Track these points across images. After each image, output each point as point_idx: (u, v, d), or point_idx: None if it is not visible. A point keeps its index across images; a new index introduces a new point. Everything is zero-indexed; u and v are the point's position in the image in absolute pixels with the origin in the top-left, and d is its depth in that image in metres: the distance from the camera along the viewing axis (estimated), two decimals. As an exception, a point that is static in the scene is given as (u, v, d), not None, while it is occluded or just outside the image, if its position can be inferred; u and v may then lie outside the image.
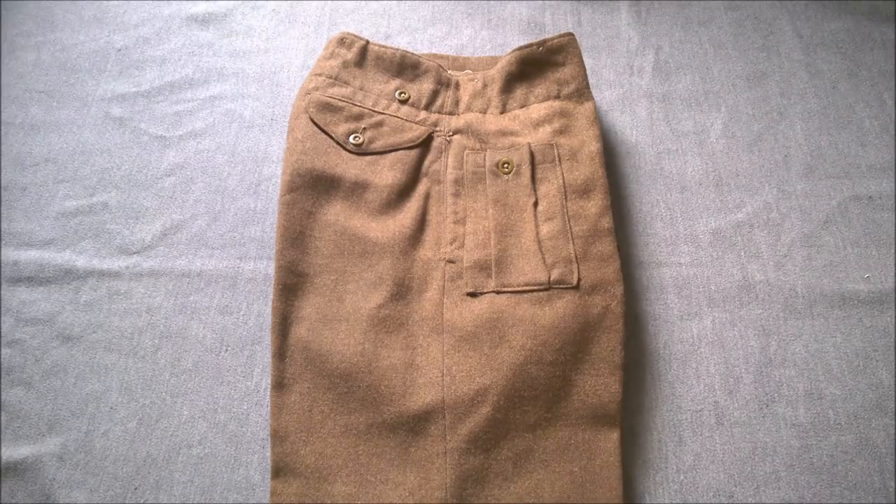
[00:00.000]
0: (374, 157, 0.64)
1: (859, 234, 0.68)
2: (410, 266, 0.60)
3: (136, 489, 0.56)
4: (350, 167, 0.63)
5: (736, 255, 0.67)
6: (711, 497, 0.56)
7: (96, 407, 0.60)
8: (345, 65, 0.68)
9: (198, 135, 0.75)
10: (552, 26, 0.84)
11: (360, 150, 0.64)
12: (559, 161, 0.63)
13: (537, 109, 0.66)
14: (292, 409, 0.55)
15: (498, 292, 0.58)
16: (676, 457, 0.57)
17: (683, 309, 0.64)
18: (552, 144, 0.63)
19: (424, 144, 0.65)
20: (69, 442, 0.58)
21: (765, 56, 0.81)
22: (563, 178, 0.62)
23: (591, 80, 0.77)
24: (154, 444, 0.58)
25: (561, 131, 0.64)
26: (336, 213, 0.61)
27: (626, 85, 0.79)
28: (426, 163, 0.65)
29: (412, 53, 0.69)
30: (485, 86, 0.68)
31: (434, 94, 0.68)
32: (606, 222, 0.60)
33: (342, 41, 0.69)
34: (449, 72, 0.70)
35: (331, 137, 0.64)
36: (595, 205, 0.61)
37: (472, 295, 0.58)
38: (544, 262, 0.58)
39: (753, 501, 0.55)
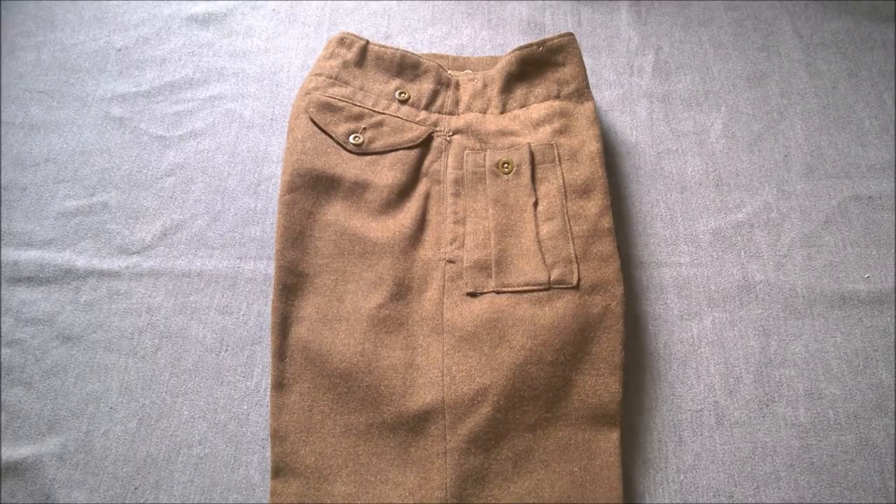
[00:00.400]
0: (374, 157, 0.64)
1: (859, 234, 0.68)
2: (410, 266, 0.60)
3: (136, 489, 0.56)
4: (350, 167, 0.63)
5: (736, 255, 0.67)
6: (711, 497, 0.56)
7: (96, 407, 0.60)
8: (345, 65, 0.68)
9: (198, 135, 0.75)
10: (552, 26, 0.84)
11: (360, 150, 0.64)
12: (559, 161, 0.63)
13: (537, 109, 0.66)
14: (292, 409, 0.55)
15: (498, 292, 0.58)
16: (676, 457, 0.57)
17: (683, 309, 0.64)
18: (552, 144, 0.63)
19: (424, 144, 0.65)
20: (69, 442, 0.58)
21: (765, 56, 0.81)
22: (563, 178, 0.62)
23: (591, 80, 0.77)
24: (154, 444, 0.58)
25: (561, 131, 0.64)
26: (336, 213, 0.61)
27: (626, 85, 0.79)
28: (426, 163, 0.65)
29: (412, 53, 0.69)
30: (485, 86, 0.68)
31: (434, 94, 0.68)
32: (606, 222, 0.60)
33: (342, 41, 0.69)
34: (449, 72, 0.70)
35: (331, 137, 0.64)
36: (595, 205, 0.61)
37: (472, 295, 0.58)
38: (544, 262, 0.58)
39: (753, 501, 0.55)
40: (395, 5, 0.86)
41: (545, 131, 0.64)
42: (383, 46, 0.69)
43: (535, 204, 0.61)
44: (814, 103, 0.77)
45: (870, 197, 0.70)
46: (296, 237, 0.60)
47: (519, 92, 0.67)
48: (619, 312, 0.57)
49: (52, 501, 0.55)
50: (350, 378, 0.55)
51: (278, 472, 0.53)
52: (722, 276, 0.66)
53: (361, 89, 0.67)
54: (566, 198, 0.61)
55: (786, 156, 0.73)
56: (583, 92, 0.67)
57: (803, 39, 0.82)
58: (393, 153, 0.64)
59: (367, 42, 0.69)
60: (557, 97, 0.66)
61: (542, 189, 0.62)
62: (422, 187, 0.64)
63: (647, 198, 0.71)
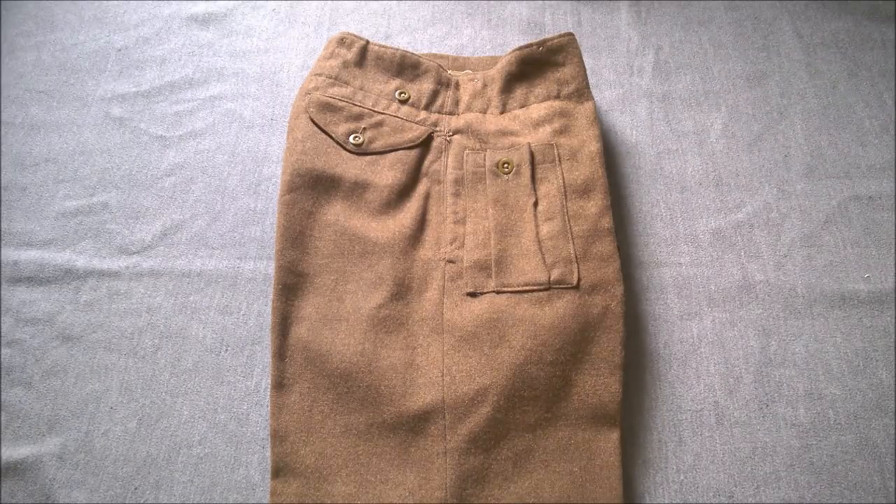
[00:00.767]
0: (374, 157, 0.64)
1: (859, 234, 0.68)
2: (410, 266, 0.60)
3: (136, 489, 0.56)
4: (350, 167, 0.63)
5: (736, 255, 0.67)
6: (711, 497, 0.56)
7: (96, 407, 0.60)
8: (345, 65, 0.68)
9: (198, 135, 0.75)
10: (552, 26, 0.84)
11: (360, 150, 0.64)
12: (559, 161, 0.63)
13: (537, 109, 0.66)
14: (292, 409, 0.55)
15: (498, 292, 0.58)
16: (676, 457, 0.57)
17: (683, 309, 0.64)
18: (552, 144, 0.63)
19: (424, 144, 0.65)
20: (69, 442, 0.58)
21: (765, 56, 0.81)
22: (563, 178, 0.62)
23: (591, 80, 0.77)
24: (154, 444, 0.58)
25: (561, 131, 0.64)
26: (336, 213, 0.61)
27: (626, 85, 0.79)
28: (426, 163, 0.65)
29: (412, 53, 0.69)
30: (485, 86, 0.68)
31: (434, 94, 0.68)
32: (606, 222, 0.60)
33: (342, 41, 0.69)
34: (449, 72, 0.70)
35: (331, 137, 0.64)
36: (595, 205, 0.61)
37: (472, 295, 0.58)
38: (544, 262, 0.58)
39: (753, 501, 0.55)
40: (395, 5, 0.86)
41: (545, 131, 0.64)
42: (383, 46, 0.69)
43: (535, 204, 0.61)
44: (814, 103, 0.77)
45: (870, 197, 0.70)
46: (296, 237, 0.60)
47: (519, 92, 0.67)
48: (619, 312, 0.57)
49: (52, 501, 0.55)
50: (350, 378, 0.55)
51: (278, 472, 0.53)
52: (722, 276, 0.66)
53: (361, 89, 0.67)
54: (566, 198, 0.61)
55: (786, 156, 0.73)
56: (583, 92, 0.67)
57: (803, 39, 0.82)
58: (393, 153, 0.64)
59: (367, 42, 0.69)
60: (557, 97, 0.66)
61: (542, 189, 0.62)
62: (422, 187, 0.64)
63: (647, 198, 0.71)
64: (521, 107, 0.67)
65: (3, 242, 0.68)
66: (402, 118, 0.66)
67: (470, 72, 0.72)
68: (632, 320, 0.63)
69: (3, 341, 0.62)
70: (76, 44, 0.82)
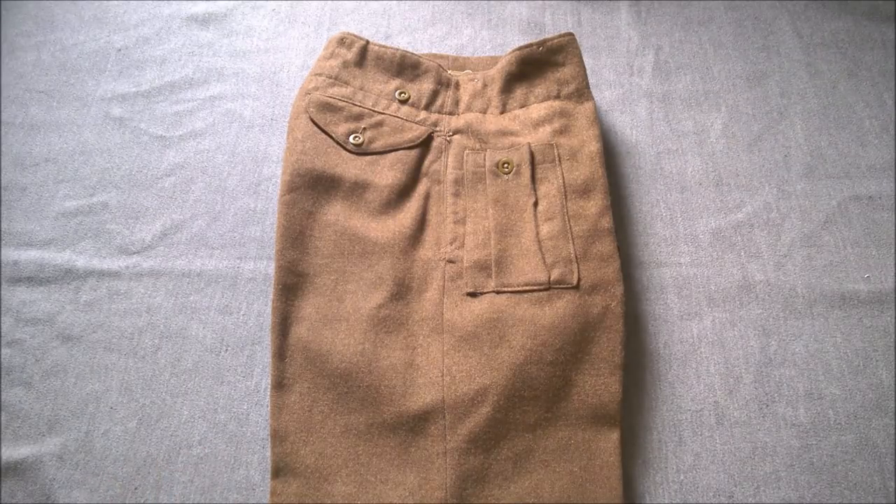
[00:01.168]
0: (374, 157, 0.64)
1: (859, 234, 0.68)
2: (410, 266, 0.60)
3: (136, 489, 0.56)
4: (350, 167, 0.63)
5: (736, 255, 0.67)
6: (711, 497, 0.56)
7: (96, 407, 0.60)
8: (345, 65, 0.68)
9: (198, 135, 0.75)
10: (552, 26, 0.84)
11: (360, 150, 0.64)
12: (559, 161, 0.63)
13: (537, 109, 0.66)
14: (292, 409, 0.55)
15: (498, 292, 0.58)
16: (676, 457, 0.57)
17: (683, 309, 0.64)
18: (552, 144, 0.63)
19: (424, 144, 0.65)
20: (69, 442, 0.58)
21: (765, 56, 0.81)
22: (563, 178, 0.62)
23: (591, 80, 0.77)
24: (154, 444, 0.58)
25: (561, 131, 0.64)
26: (336, 213, 0.61)
27: (626, 85, 0.79)
28: (426, 163, 0.65)
29: (412, 53, 0.69)
30: (485, 86, 0.68)
31: (434, 94, 0.68)
32: (606, 222, 0.60)
33: (342, 41, 0.69)
34: (449, 72, 0.70)
35: (331, 137, 0.64)
36: (595, 205, 0.61)
37: (472, 295, 0.58)
38: (544, 262, 0.58)
39: (753, 501, 0.55)
40: (395, 5, 0.86)
41: (545, 131, 0.64)
42: (383, 46, 0.69)
43: (535, 204, 0.61)
44: (814, 103, 0.77)
45: (870, 197, 0.70)
46: (296, 237, 0.60)
47: (519, 92, 0.67)
48: (619, 312, 0.57)
49: (52, 501, 0.55)
50: (350, 378, 0.55)
51: (278, 472, 0.53)
52: (722, 276, 0.66)
53: (361, 89, 0.67)
54: (566, 198, 0.61)
55: (786, 156, 0.73)
56: (583, 92, 0.67)
57: (803, 39, 0.82)
58: (393, 153, 0.64)
59: (367, 42, 0.69)
60: (557, 97, 0.66)
61: (542, 189, 0.62)
62: (422, 187, 0.64)
63: (647, 198, 0.71)
64: (521, 107, 0.67)
65: (3, 242, 0.68)
66: (402, 118, 0.66)
67: (470, 72, 0.72)
68: (632, 320, 0.63)
69: (3, 341, 0.62)
70: (76, 44, 0.82)
